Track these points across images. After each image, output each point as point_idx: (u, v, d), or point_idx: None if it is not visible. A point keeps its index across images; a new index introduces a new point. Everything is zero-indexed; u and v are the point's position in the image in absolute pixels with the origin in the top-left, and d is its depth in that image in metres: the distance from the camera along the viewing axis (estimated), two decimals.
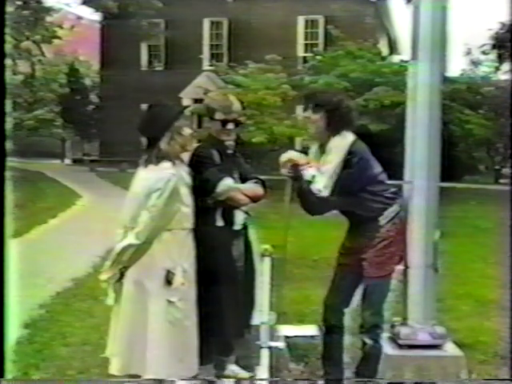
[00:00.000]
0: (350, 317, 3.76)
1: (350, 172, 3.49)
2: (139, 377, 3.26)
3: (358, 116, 3.74)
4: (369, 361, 3.70)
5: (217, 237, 3.60)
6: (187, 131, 3.41)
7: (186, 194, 3.34)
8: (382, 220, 3.57)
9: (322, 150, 3.64)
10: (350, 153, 3.51)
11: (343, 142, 3.56)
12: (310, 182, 3.51)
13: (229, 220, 3.70)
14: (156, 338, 3.21)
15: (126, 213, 3.32)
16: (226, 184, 3.60)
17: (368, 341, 3.65)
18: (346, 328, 3.76)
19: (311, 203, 3.58)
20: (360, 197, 3.57)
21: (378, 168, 3.65)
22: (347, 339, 3.83)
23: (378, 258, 3.56)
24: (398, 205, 3.66)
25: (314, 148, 3.75)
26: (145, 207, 3.20)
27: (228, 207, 3.68)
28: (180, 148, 3.38)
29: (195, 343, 3.37)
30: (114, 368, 3.28)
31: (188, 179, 3.42)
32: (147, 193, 3.21)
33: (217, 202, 3.61)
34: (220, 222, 3.67)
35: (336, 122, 3.58)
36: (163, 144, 3.31)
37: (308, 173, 3.53)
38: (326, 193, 3.49)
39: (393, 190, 3.66)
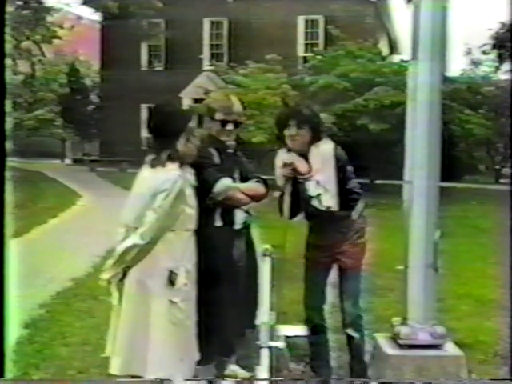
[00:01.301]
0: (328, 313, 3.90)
1: (339, 178, 3.66)
2: (140, 377, 3.26)
3: (324, 116, 3.96)
4: (359, 354, 3.81)
5: (216, 237, 3.59)
6: (198, 132, 3.43)
7: (190, 196, 3.35)
8: (355, 215, 3.75)
9: (300, 154, 3.73)
10: (337, 160, 3.66)
11: (326, 148, 3.70)
12: (312, 197, 3.64)
13: (229, 220, 3.70)
14: (158, 338, 3.21)
15: (130, 212, 3.31)
16: (224, 184, 3.59)
17: (354, 334, 3.77)
18: (328, 325, 3.90)
19: (312, 213, 3.74)
20: (339, 196, 3.67)
21: (350, 166, 3.77)
22: (332, 337, 3.94)
23: (354, 249, 3.75)
24: (363, 198, 3.83)
25: (282, 151, 3.81)
26: (150, 207, 3.19)
27: (228, 207, 3.67)
28: (195, 149, 3.38)
29: (194, 343, 3.37)
30: (115, 368, 3.28)
31: (193, 180, 3.43)
32: (153, 193, 3.20)
33: (216, 203, 3.60)
34: (219, 222, 3.66)
35: (319, 131, 3.75)
36: (180, 145, 3.30)
37: (312, 187, 3.64)
38: (335, 208, 3.67)
39: (358, 184, 3.80)
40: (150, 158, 3.37)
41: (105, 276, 3.25)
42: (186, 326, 3.30)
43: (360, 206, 3.78)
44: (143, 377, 3.23)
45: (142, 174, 3.38)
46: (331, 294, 3.93)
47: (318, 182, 3.62)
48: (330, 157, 3.64)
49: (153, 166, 3.32)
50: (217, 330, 3.52)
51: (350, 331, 3.77)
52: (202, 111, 4.02)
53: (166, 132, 3.34)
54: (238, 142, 3.92)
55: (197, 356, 3.39)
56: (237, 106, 3.84)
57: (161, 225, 3.20)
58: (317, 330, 3.85)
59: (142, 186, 3.32)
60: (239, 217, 3.75)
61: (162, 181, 3.22)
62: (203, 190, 3.53)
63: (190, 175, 3.42)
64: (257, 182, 3.81)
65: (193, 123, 3.40)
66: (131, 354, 3.24)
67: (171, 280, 3.23)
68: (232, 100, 3.86)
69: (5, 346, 3.01)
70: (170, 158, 3.29)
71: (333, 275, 3.87)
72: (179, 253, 3.29)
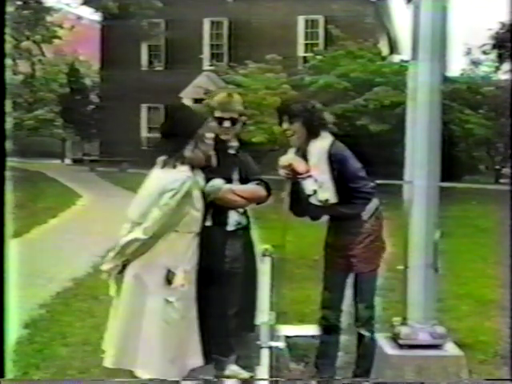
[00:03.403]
0: (347, 313, 3.85)
1: (334, 175, 3.63)
2: (131, 371, 3.25)
3: (328, 115, 3.88)
4: (367, 354, 3.80)
5: (206, 237, 3.53)
6: (210, 135, 3.42)
7: (198, 198, 3.35)
8: (365, 215, 3.68)
9: (300, 153, 3.74)
10: (331, 155, 3.63)
11: (323, 144, 3.68)
12: (310, 196, 3.64)
13: (220, 220, 3.66)
14: (151, 335, 3.22)
15: (136, 209, 3.33)
16: (212, 185, 3.53)
17: (366, 333, 3.77)
18: (343, 325, 3.87)
19: (314, 212, 3.75)
20: (343, 194, 3.64)
21: (357, 164, 3.73)
22: (344, 337, 3.93)
23: (366, 254, 3.69)
24: (377, 199, 3.76)
25: (291, 151, 3.79)
26: (156, 205, 3.21)
27: (220, 208, 3.64)
28: (203, 155, 3.37)
29: (189, 344, 3.37)
30: (107, 360, 3.29)
31: (202, 183, 3.43)
32: (161, 191, 3.23)
33: (208, 203, 3.57)
34: (208, 222, 3.63)
35: (314, 126, 3.71)
36: (187, 152, 3.30)
37: (308, 186, 3.64)
38: (334, 200, 3.64)
39: (371, 184, 3.73)
40: (161, 159, 3.38)
41: (104, 267, 3.28)
42: (181, 326, 3.29)
43: (371, 206, 3.70)
44: (133, 371, 3.23)
45: (152, 173, 3.40)
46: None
47: (314, 180, 3.62)
48: (325, 152, 3.63)
49: (163, 166, 3.33)
50: (212, 330, 3.51)
51: (362, 331, 3.77)
52: (204, 111, 4.01)
53: (178, 134, 3.34)
54: (240, 142, 3.90)
55: (198, 361, 3.39)
56: (234, 104, 3.79)
57: (165, 222, 3.21)
58: (330, 329, 3.83)
59: (151, 184, 3.35)
60: (232, 218, 3.72)
61: (171, 180, 3.24)
62: None
63: (200, 178, 3.42)
64: (257, 184, 3.79)
65: (203, 130, 3.38)
66: (123, 348, 3.24)
67: (168, 279, 3.24)
68: (231, 97, 3.83)
69: (5, 346, 3.01)
70: (180, 161, 3.29)
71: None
72: (180, 253, 3.29)
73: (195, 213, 3.33)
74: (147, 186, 3.38)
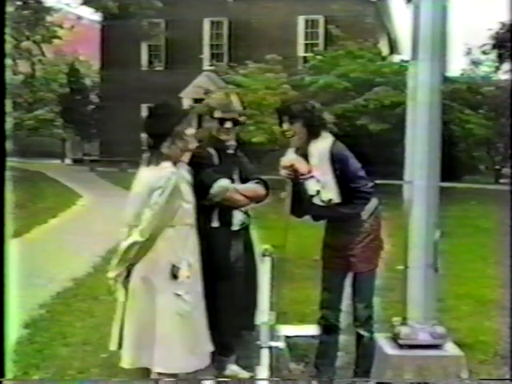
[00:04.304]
0: (346, 313, 3.85)
1: (336, 175, 3.63)
2: (148, 369, 3.27)
3: (328, 115, 3.88)
4: (367, 354, 3.80)
5: (213, 237, 3.58)
6: (189, 131, 3.43)
7: (186, 191, 3.38)
8: (364, 215, 3.68)
9: (299, 153, 3.74)
10: (333, 155, 3.64)
11: (324, 144, 3.69)
12: (312, 196, 3.64)
13: (226, 221, 3.68)
14: (167, 331, 3.25)
15: (129, 211, 3.35)
16: (221, 185, 3.58)
17: (365, 333, 3.77)
18: (342, 325, 3.87)
19: (316, 212, 3.74)
20: (344, 195, 3.64)
21: (357, 164, 3.73)
22: (344, 337, 3.93)
23: (366, 253, 3.70)
24: (376, 198, 3.76)
25: (290, 152, 3.80)
26: (147, 205, 3.24)
27: (225, 208, 3.66)
28: (180, 152, 3.40)
29: (205, 334, 3.40)
30: (125, 361, 3.31)
31: (188, 177, 3.47)
32: (149, 191, 3.25)
33: (213, 203, 3.60)
34: (216, 223, 3.65)
35: (315, 126, 3.72)
36: (164, 148, 3.35)
37: (311, 186, 3.64)
38: (337, 200, 3.64)
39: (371, 184, 3.74)
40: (145, 156, 3.41)
41: (110, 275, 3.30)
42: (194, 317, 3.33)
43: (371, 205, 3.71)
44: (152, 369, 3.25)
45: (139, 173, 3.42)
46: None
47: (316, 180, 3.62)
48: (327, 152, 3.64)
49: (147, 165, 3.36)
50: (214, 330, 3.52)
51: (361, 331, 3.78)
52: (202, 111, 4.03)
53: (159, 132, 3.37)
54: (238, 142, 3.92)
55: (209, 347, 3.41)
56: (235, 105, 3.83)
57: (158, 221, 3.24)
58: (329, 329, 3.83)
59: (139, 184, 3.38)
60: (237, 218, 3.74)
61: (156, 178, 3.27)
62: (201, 190, 3.53)
63: (185, 172, 3.45)
64: (256, 183, 3.81)
65: (181, 126, 3.39)
66: (140, 348, 3.27)
67: (174, 274, 3.26)
68: (231, 98, 3.85)
69: (5, 346, 3.01)
70: (158, 159, 3.32)
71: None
72: (180, 247, 3.32)
73: (186, 205, 3.36)
74: (136, 185, 3.40)
